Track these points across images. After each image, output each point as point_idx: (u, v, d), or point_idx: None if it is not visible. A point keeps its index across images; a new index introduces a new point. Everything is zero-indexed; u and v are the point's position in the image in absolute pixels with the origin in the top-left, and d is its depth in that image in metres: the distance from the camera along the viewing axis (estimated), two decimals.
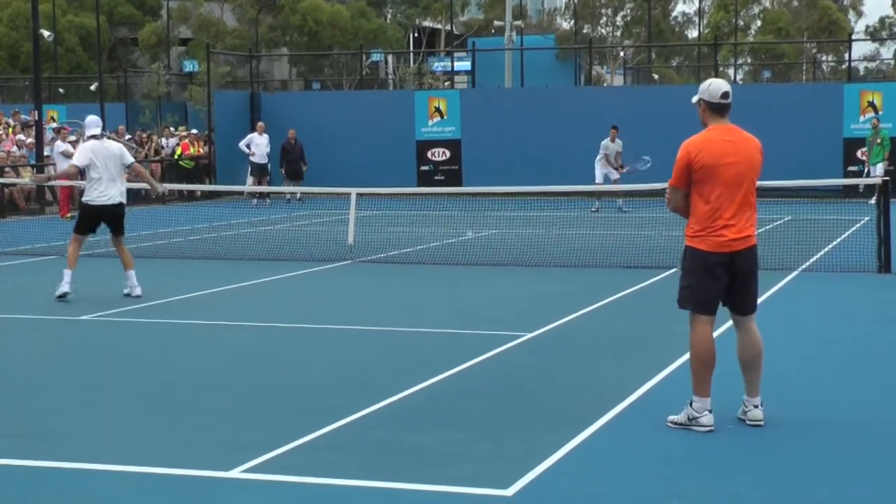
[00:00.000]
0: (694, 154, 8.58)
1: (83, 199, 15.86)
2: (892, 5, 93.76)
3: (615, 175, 29.46)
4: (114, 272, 16.80)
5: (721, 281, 8.60)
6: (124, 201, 15.76)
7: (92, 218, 15.74)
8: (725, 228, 8.55)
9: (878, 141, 31.35)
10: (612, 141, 29.77)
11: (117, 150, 15.74)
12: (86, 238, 16.02)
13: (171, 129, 43.69)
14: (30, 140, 33.80)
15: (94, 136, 15.65)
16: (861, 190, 29.91)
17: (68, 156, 29.78)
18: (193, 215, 28.54)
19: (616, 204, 29.38)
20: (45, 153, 32.22)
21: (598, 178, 29.62)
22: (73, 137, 33.18)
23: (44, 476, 7.77)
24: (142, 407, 9.67)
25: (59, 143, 30.64)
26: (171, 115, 54.67)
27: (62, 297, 15.22)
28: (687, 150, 8.65)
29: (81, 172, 16.05)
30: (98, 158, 15.45)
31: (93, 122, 15.93)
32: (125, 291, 15.45)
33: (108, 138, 16.40)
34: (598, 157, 29.83)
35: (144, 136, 40.47)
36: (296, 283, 17.46)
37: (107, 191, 15.46)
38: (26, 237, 23.94)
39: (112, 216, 15.62)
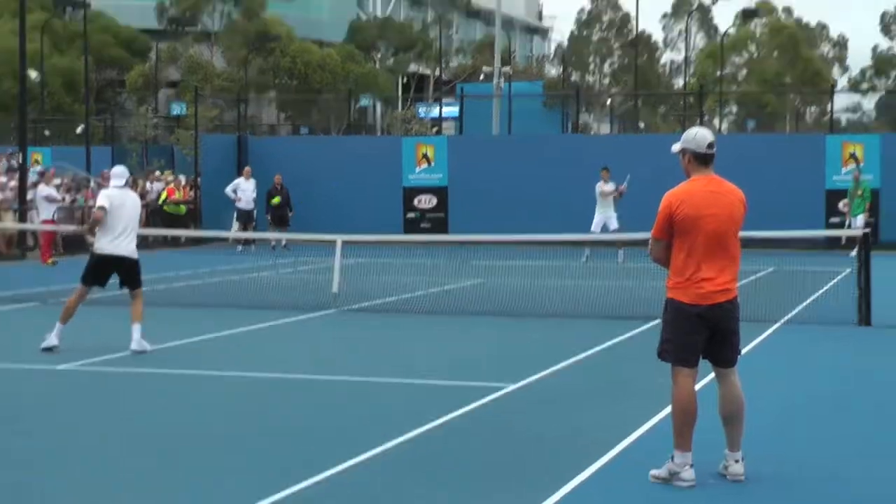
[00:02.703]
0: (676, 205, 8.60)
1: (94, 247, 15.32)
2: (881, 30, 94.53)
3: (614, 224, 29.16)
4: (94, 319, 16.78)
5: (701, 333, 8.60)
6: (137, 256, 15.28)
7: (102, 268, 15.22)
8: (706, 280, 8.55)
9: (860, 193, 31.49)
10: (606, 183, 29.65)
11: (137, 202, 15.58)
12: (89, 291, 15.41)
13: (158, 173, 43.70)
14: (13, 183, 33.49)
15: (118, 186, 15.26)
16: (843, 242, 30.00)
17: (52, 200, 29.72)
18: (178, 261, 28.51)
19: (616, 256, 28.96)
20: (28, 197, 31.72)
21: (596, 226, 29.32)
22: (57, 181, 33.10)
23: None
24: (114, 460, 9.61)
25: (42, 186, 30.19)
26: (158, 159, 54.70)
27: (48, 349, 14.81)
28: (669, 200, 8.66)
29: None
30: (118, 206, 15.02)
31: (118, 173, 15.46)
32: (132, 347, 14.84)
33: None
34: (598, 202, 29.73)
35: (130, 179, 40.41)
36: (279, 332, 17.44)
37: (121, 241, 15.00)
38: (7, 283, 23.79)
39: (124, 267, 15.14)
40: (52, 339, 14.94)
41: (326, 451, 9.66)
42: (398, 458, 9.55)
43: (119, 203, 15.09)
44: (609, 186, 29.56)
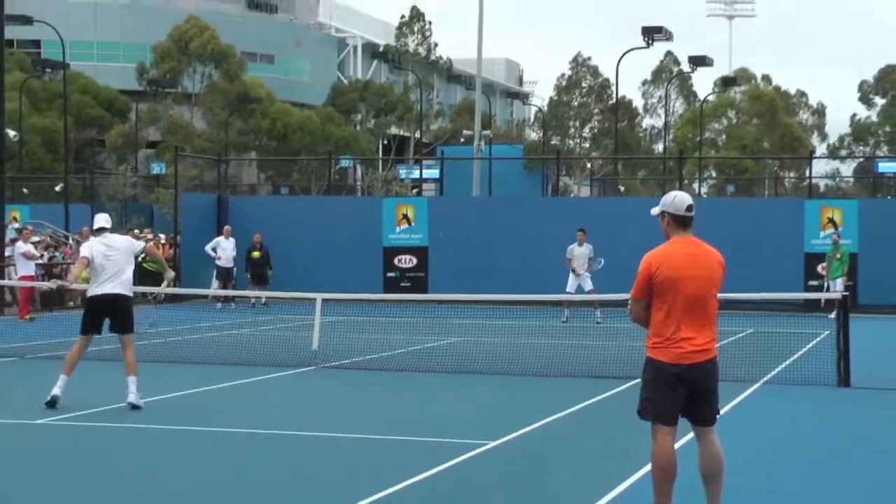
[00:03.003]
0: (655, 266, 8.65)
1: (87, 293, 15.38)
2: (860, 99, 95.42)
3: (589, 285, 28.98)
4: (81, 374, 16.71)
5: (680, 392, 8.62)
6: (128, 294, 15.19)
7: (94, 312, 15.19)
8: (685, 341, 8.58)
9: (838, 256, 31.65)
10: (580, 245, 29.43)
11: (124, 243, 15.36)
12: (90, 339, 15.30)
13: (137, 231, 43.69)
14: None
15: (101, 229, 15.26)
16: (822, 305, 30.09)
17: (30, 257, 29.69)
18: (157, 318, 28.40)
19: (594, 317, 28.83)
20: (7, 254, 31.76)
21: (570, 287, 29.10)
22: (35, 238, 33.07)
23: None
24: None
25: (20, 243, 30.21)
26: (137, 217, 54.70)
27: (51, 402, 14.66)
28: (648, 262, 8.72)
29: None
30: (101, 253, 15.05)
31: (102, 219, 15.51)
32: (129, 400, 14.77)
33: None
34: (571, 274, 29.25)
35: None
36: (258, 389, 17.39)
37: (109, 283, 14.99)
38: None
39: (113, 309, 15.08)
40: (55, 391, 14.77)
41: None
42: None
43: (100, 250, 15.09)
44: (586, 249, 29.33)
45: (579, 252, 29.30)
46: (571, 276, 29.27)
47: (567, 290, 28.82)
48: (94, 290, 15.12)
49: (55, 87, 68.66)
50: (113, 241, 15.31)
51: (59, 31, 50.88)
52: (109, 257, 15.07)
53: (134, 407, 14.71)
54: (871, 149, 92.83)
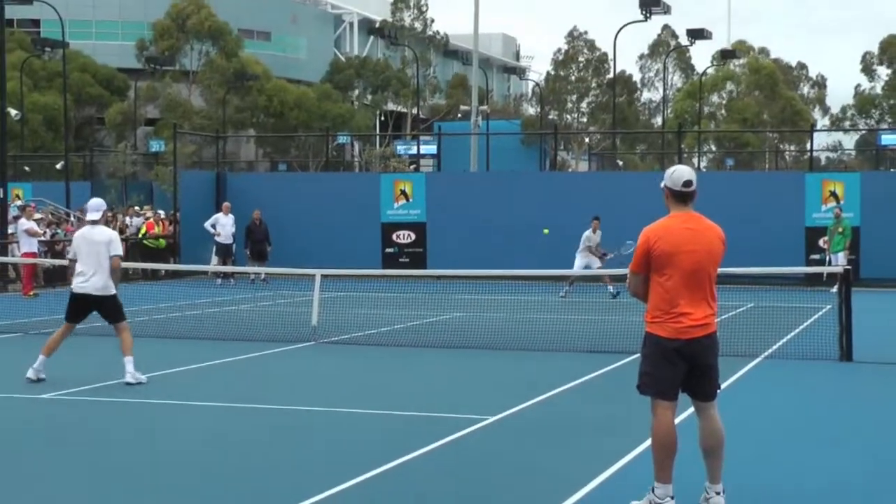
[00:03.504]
0: (653, 241, 8.64)
1: (72, 287, 15.42)
2: (862, 70, 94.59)
3: (598, 264, 28.95)
4: (81, 350, 16.75)
5: (679, 367, 8.61)
6: (112, 292, 15.14)
7: (75, 305, 15.27)
8: (683, 315, 8.57)
9: (840, 230, 31.62)
10: (594, 232, 29.17)
11: (104, 238, 15.21)
12: (73, 327, 15.43)
13: (137, 208, 43.76)
14: None
15: (91, 221, 15.29)
16: (824, 279, 30.08)
17: (32, 234, 29.77)
18: (157, 294, 28.44)
19: (608, 290, 28.75)
20: (10, 231, 32.05)
21: (578, 266, 28.94)
22: (38, 215, 33.17)
23: None
24: (92, 490, 9.59)
25: (23, 220, 30.44)
26: (137, 194, 54.78)
27: (32, 381, 14.87)
28: (646, 236, 8.71)
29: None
30: (81, 246, 15.17)
31: (91, 206, 15.51)
32: (126, 379, 14.84)
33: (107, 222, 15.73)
34: (580, 249, 29.20)
35: (110, 214, 40.37)
36: (258, 364, 17.40)
37: (87, 281, 15.06)
38: None
39: (97, 305, 15.20)
40: (29, 373, 14.96)
41: (305, 481, 9.63)
42: (377, 489, 9.51)
43: (80, 244, 15.24)
44: (597, 236, 29.24)
45: (594, 239, 29.17)
46: (579, 257, 29.09)
47: (574, 268, 28.66)
48: (78, 287, 15.20)
49: (55, 65, 68.61)
50: (94, 235, 15.27)
51: (58, 10, 50.90)
52: (90, 251, 15.12)
53: (132, 385, 14.77)
54: (874, 121, 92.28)
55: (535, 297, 27.60)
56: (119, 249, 15.28)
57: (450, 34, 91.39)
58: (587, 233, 29.31)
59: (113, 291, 15.20)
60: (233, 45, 76.47)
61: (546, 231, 21.37)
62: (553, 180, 38.70)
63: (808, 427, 12.65)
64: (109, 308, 15.24)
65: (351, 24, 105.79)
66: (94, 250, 15.09)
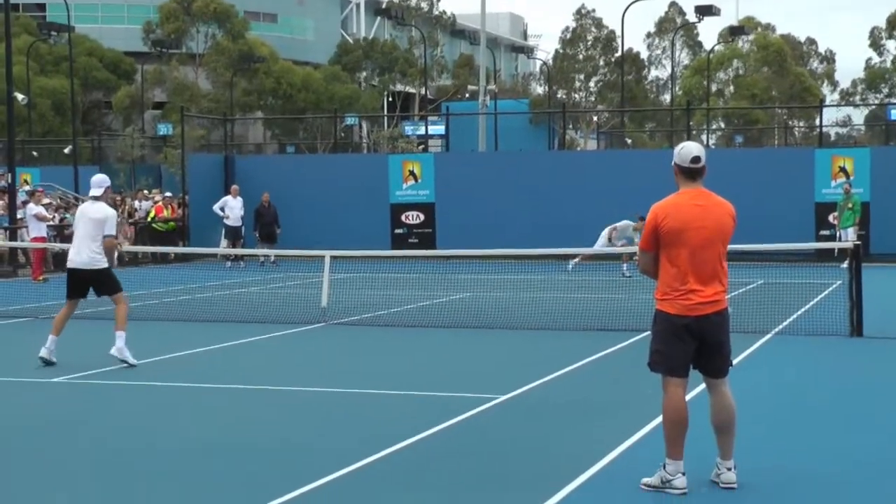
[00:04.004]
0: (661, 217, 8.62)
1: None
2: (870, 45, 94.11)
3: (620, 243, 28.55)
4: (90, 333, 16.77)
5: (690, 344, 8.60)
6: (101, 266, 15.12)
7: (71, 281, 15.33)
8: (693, 293, 8.56)
9: (850, 206, 31.56)
10: (634, 231, 28.16)
11: (99, 215, 15.13)
12: (75, 303, 15.46)
13: (146, 191, 43.76)
14: (1, 203, 33.79)
15: (93, 197, 15.31)
16: (835, 254, 30.03)
17: (41, 218, 29.85)
18: (167, 277, 28.47)
19: (621, 269, 28.65)
20: (19, 216, 32.14)
21: (599, 244, 28.71)
22: (46, 200, 33.20)
23: None
24: (100, 470, 9.61)
25: (31, 205, 30.55)
26: (145, 177, 54.77)
27: (45, 361, 14.93)
28: (655, 213, 8.69)
29: None
30: (78, 221, 15.34)
31: (94, 182, 15.50)
32: (111, 352, 14.92)
33: (110, 200, 15.61)
34: (608, 229, 28.90)
35: (118, 198, 40.41)
36: (268, 346, 17.41)
37: (78, 253, 15.14)
38: None
39: (89, 279, 15.21)
40: (42, 352, 15.02)
41: (314, 461, 9.63)
42: (387, 468, 9.51)
43: (78, 218, 15.44)
44: (629, 232, 28.44)
45: (624, 232, 28.73)
46: (601, 239, 28.85)
47: (595, 246, 28.44)
48: (69, 260, 15.36)
49: (61, 50, 68.56)
50: (89, 210, 15.32)
51: None
52: (83, 224, 15.22)
53: (121, 361, 14.85)
54: (883, 96, 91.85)
55: (544, 276, 27.58)
56: (112, 230, 15.19)
57: (457, 14, 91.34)
58: (625, 222, 28.73)
59: (102, 265, 15.18)
60: (239, 27, 76.44)
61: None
62: (562, 159, 38.67)
63: (818, 403, 12.62)
64: (101, 281, 15.26)
65: (357, 5, 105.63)
66: (89, 226, 15.14)
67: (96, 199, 15.31)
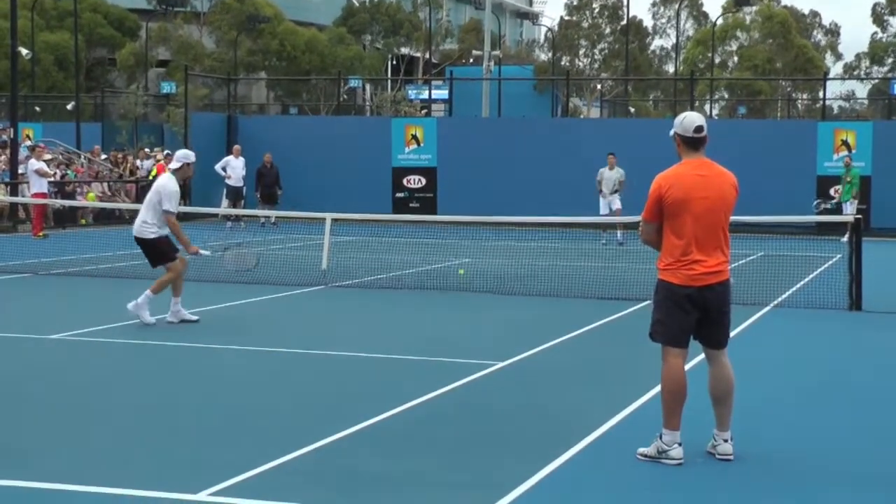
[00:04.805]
0: (665, 188, 8.61)
1: None
2: (873, 21, 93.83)
3: (617, 204, 28.86)
4: (93, 290, 16.78)
5: (691, 314, 8.62)
6: (148, 237, 15.21)
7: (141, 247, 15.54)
8: (696, 263, 8.57)
9: (848, 179, 31.56)
10: (611, 169, 29.19)
11: (160, 188, 15.14)
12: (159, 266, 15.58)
13: (147, 150, 43.71)
14: (3, 157, 33.75)
15: (172, 169, 15.35)
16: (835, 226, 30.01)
17: (42, 174, 29.80)
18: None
19: (615, 238, 28.91)
20: (20, 171, 32.12)
21: (603, 209, 29.05)
22: (48, 156, 33.15)
23: (10, 496, 7.72)
24: (109, 428, 9.63)
25: (32, 161, 30.48)
26: (148, 136, 54.70)
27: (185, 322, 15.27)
28: (658, 183, 8.68)
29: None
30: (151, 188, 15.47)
31: (176, 155, 15.70)
32: (128, 305, 15.05)
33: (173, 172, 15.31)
34: (598, 190, 29.28)
35: (120, 156, 40.39)
36: (269, 307, 17.43)
37: (138, 220, 15.35)
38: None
39: (140, 246, 15.45)
40: (171, 315, 15.33)
41: (314, 423, 9.66)
42: (386, 432, 9.54)
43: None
44: (617, 173, 29.09)
45: (609, 175, 29.17)
46: (602, 198, 29.15)
47: (601, 212, 28.77)
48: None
49: (66, 5, 68.35)
50: (158, 181, 15.41)
51: None
52: (149, 193, 15.37)
53: (138, 318, 14.97)
54: (887, 70, 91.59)
55: (545, 243, 27.59)
56: (168, 205, 15.03)
57: None
58: (602, 169, 29.34)
59: (148, 236, 15.23)
60: None
61: (462, 272, 20.52)
62: (565, 127, 38.63)
63: (816, 376, 12.65)
64: (147, 251, 15.42)
65: None
66: (151, 195, 15.30)
67: (174, 171, 15.31)
